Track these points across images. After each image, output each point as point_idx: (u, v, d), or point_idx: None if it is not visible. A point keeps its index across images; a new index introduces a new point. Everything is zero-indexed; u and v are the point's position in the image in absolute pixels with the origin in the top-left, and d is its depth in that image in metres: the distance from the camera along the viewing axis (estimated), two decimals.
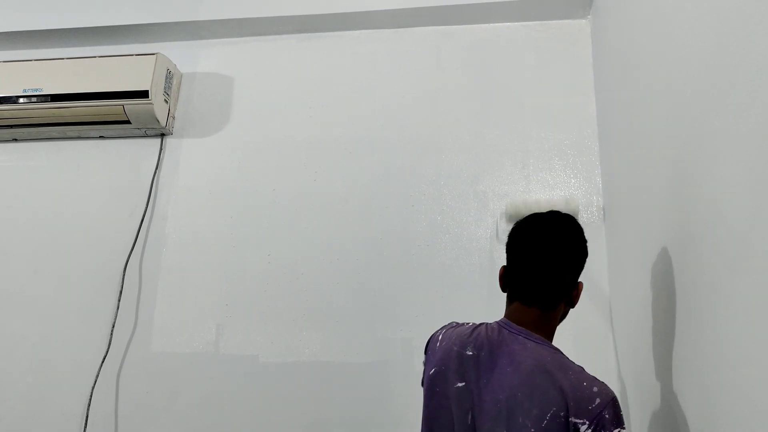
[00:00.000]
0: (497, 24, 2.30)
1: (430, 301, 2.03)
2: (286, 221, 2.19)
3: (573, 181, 2.08)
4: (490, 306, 1.98)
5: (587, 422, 1.09)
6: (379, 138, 2.23)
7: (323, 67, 2.37)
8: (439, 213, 2.12)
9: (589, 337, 1.88)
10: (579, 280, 1.28)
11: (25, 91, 2.28)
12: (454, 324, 1.35)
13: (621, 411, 1.13)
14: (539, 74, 2.21)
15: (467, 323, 1.33)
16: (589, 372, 1.17)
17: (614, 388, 1.20)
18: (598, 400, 1.10)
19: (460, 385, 1.23)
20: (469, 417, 1.21)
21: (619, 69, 1.84)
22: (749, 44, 0.93)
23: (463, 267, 2.05)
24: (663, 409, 1.34)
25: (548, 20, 2.26)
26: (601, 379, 1.15)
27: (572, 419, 1.09)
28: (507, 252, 1.31)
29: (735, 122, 0.98)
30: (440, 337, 1.31)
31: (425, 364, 1.33)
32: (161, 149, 2.35)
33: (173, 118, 2.38)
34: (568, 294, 1.27)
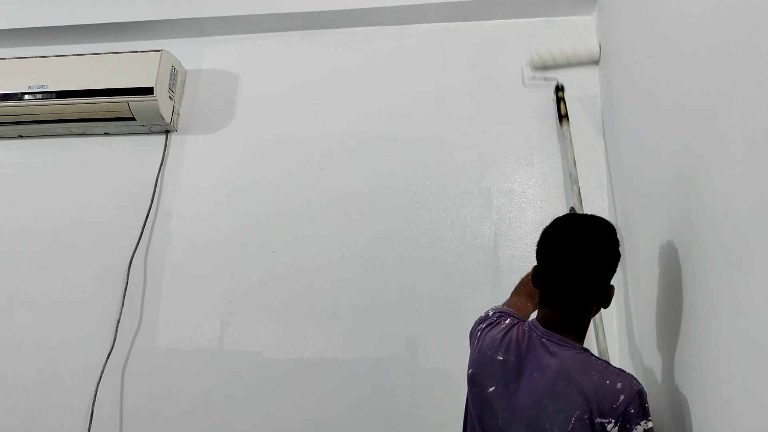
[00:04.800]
0: (502, 21, 2.29)
1: (433, 298, 2.03)
2: (290, 218, 2.19)
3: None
4: (493, 302, 1.98)
5: (613, 421, 1.10)
6: (383, 135, 2.23)
7: (328, 64, 2.37)
8: (443, 210, 2.12)
9: (593, 334, 1.87)
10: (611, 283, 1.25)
11: (30, 87, 2.29)
12: (495, 317, 1.35)
13: (647, 403, 1.13)
14: (544, 71, 2.20)
15: (504, 320, 1.33)
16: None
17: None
18: (622, 397, 1.10)
19: (492, 389, 1.25)
20: (499, 420, 1.23)
21: (624, 65, 1.83)
22: (754, 41, 0.93)
23: (467, 264, 2.05)
24: (665, 404, 1.34)
25: (553, 17, 2.25)
26: (627, 372, 1.16)
27: (598, 420, 1.11)
28: (537, 254, 1.28)
29: (740, 119, 0.98)
30: (479, 335, 1.34)
31: (470, 347, 1.36)
32: (166, 146, 2.35)
33: (178, 114, 2.38)
34: (599, 298, 1.24)
